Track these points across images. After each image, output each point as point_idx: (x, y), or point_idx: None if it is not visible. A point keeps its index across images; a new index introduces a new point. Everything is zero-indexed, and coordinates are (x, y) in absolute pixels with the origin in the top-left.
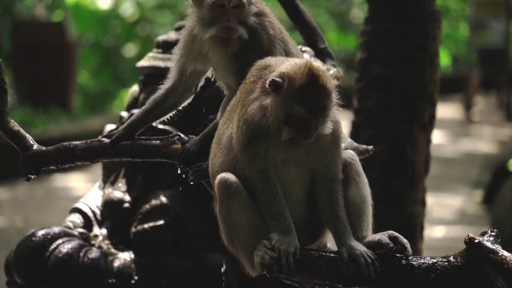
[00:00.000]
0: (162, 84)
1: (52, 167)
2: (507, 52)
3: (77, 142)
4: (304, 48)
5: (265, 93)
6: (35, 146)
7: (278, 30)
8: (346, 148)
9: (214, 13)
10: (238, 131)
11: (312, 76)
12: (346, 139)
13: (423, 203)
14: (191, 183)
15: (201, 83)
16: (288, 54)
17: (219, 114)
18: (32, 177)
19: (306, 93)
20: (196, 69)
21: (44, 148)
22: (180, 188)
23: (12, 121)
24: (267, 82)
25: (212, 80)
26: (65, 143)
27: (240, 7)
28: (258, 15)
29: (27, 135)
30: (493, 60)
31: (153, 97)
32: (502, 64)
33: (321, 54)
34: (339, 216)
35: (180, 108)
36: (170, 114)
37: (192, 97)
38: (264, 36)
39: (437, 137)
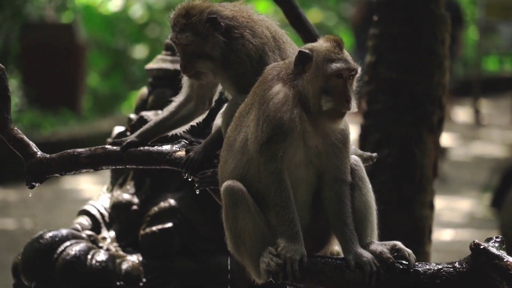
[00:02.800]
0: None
1: (56, 174)
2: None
3: (81, 150)
4: None
5: (290, 80)
6: (39, 154)
7: (267, 38)
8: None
9: (175, 48)
10: (257, 130)
11: (333, 39)
12: (350, 146)
13: (431, 206)
14: (197, 191)
15: (215, 97)
16: (284, 59)
17: (220, 120)
18: (36, 184)
19: (337, 51)
20: (203, 81)
21: (47, 155)
22: (196, 191)
23: (16, 128)
24: (294, 60)
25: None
26: (69, 151)
27: (190, 45)
28: (234, 29)
29: (31, 143)
30: None
31: (166, 108)
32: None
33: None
34: (347, 222)
35: (194, 123)
36: (186, 127)
37: (207, 112)
38: (250, 46)
39: (446, 140)
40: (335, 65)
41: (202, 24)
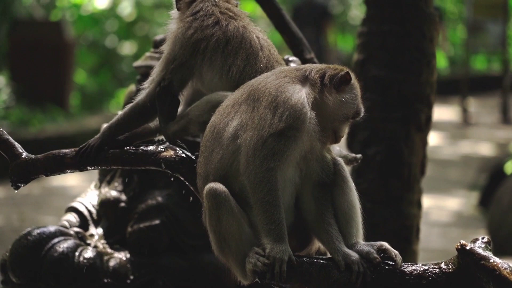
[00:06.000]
0: None
1: (42, 175)
2: None
3: (67, 150)
4: (291, 58)
5: (317, 88)
6: (24, 155)
7: (213, 36)
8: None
9: None
10: (273, 118)
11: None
12: (335, 148)
13: (419, 204)
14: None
15: None
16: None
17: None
18: (22, 185)
19: (360, 95)
20: None
21: (33, 156)
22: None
23: (1, 129)
24: (338, 75)
25: None
26: (54, 151)
27: None
28: (187, 9)
29: (16, 143)
30: None
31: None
32: None
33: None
34: (331, 222)
35: None
36: None
37: None
38: (179, 31)
39: (434, 139)
40: (360, 110)
41: None
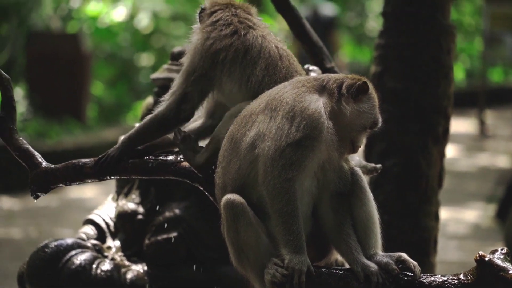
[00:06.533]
0: None
1: (61, 185)
2: None
3: (86, 160)
4: (311, 67)
5: (334, 97)
6: (44, 164)
7: (231, 46)
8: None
9: None
10: (290, 128)
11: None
12: (354, 157)
13: (436, 217)
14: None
15: None
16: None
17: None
18: (41, 195)
19: (377, 105)
20: None
21: (52, 166)
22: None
23: (21, 138)
24: (356, 85)
25: None
26: (73, 161)
27: None
28: (206, 21)
29: (36, 153)
30: None
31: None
32: None
33: (328, 73)
34: (349, 233)
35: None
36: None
37: None
38: (199, 42)
39: (451, 151)
40: (378, 120)
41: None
